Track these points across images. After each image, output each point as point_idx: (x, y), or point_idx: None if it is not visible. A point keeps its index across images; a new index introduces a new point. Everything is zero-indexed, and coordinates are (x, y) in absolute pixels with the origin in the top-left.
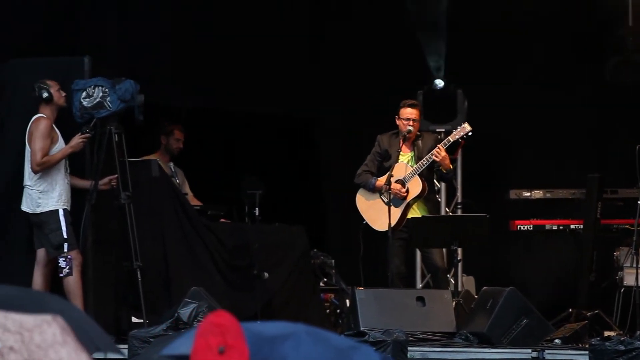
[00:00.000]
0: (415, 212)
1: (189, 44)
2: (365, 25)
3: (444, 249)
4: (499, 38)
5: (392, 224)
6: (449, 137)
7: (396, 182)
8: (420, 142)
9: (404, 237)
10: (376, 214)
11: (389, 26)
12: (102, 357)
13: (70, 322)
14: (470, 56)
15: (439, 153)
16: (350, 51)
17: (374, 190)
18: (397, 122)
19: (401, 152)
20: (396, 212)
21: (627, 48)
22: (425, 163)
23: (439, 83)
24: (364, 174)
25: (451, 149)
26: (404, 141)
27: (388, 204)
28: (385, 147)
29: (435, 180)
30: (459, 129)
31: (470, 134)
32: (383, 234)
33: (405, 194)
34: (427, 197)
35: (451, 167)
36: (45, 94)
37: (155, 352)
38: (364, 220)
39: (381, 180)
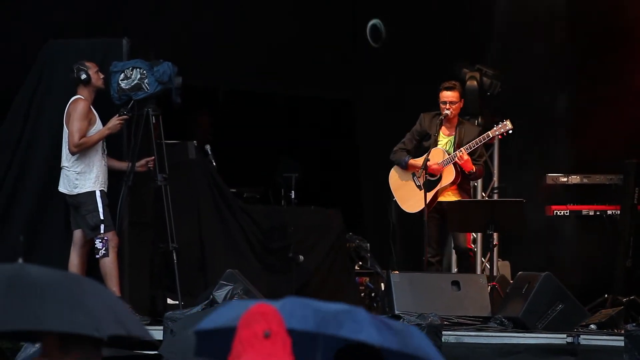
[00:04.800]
0: (446, 198)
1: (227, 26)
2: (403, 7)
3: (480, 235)
4: (536, 21)
5: (421, 207)
6: (489, 133)
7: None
8: (463, 129)
9: (438, 218)
10: (407, 194)
11: (426, 8)
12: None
13: (103, 306)
14: (505, 38)
15: (462, 157)
16: (388, 33)
17: (406, 168)
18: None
19: (441, 135)
20: (427, 196)
21: None
22: (453, 158)
23: None
24: (400, 152)
25: None
26: (440, 124)
27: (421, 187)
28: (426, 127)
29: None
30: (500, 125)
31: (510, 132)
32: (416, 215)
33: (441, 168)
34: (462, 186)
35: (473, 169)
36: (83, 76)
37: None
38: (393, 197)
39: (415, 161)
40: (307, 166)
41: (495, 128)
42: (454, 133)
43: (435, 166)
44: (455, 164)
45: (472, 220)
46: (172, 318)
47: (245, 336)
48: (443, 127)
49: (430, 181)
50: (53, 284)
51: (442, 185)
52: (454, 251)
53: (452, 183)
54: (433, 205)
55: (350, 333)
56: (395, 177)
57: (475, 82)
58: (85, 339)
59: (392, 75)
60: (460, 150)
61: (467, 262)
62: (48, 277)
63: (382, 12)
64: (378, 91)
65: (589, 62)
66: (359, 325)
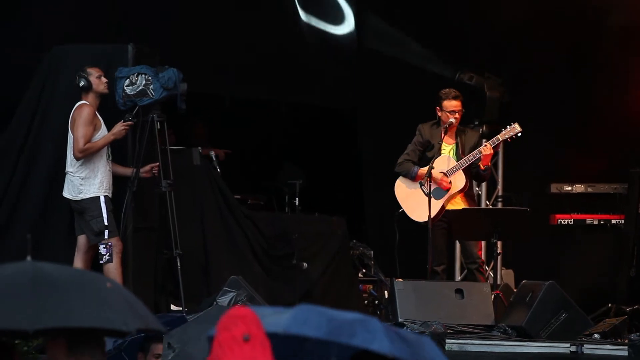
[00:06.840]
0: (454, 205)
1: (232, 34)
2: (405, 16)
3: (484, 242)
4: (537, 28)
5: (432, 216)
6: (498, 136)
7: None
8: (464, 136)
9: (445, 227)
10: (415, 203)
11: (427, 16)
12: None
13: (123, 301)
14: (512, 46)
15: (487, 148)
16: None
17: (415, 179)
18: (439, 113)
19: (444, 144)
20: (437, 204)
21: None
22: (472, 159)
23: None
24: (406, 163)
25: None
26: (445, 133)
27: (429, 195)
28: (427, 137)
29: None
30: (508, 129)
31: (519, 135)
32: (421, 223)
33: (449, 185)
34: (468, 193)
35: (489, 164)
36: (82, 83)
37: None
38: (400, 208)
39: (424, 170)
40: (311, 173)
41: (503, 131)
42: (455, 140)
43: (441, 179)
44: (464, 170)
45: (476, 228)
46: None
47: (224, 339)
48: (445, 136)
49: (439, 189)
50: (74, 281)
51: (453, 192)
52: (462, 260)
53: (463, 189)
54: (442, 213)
55: (363, 342)
56: (402, 188)
57: (497, 92)
58: (92, 341)
59: (395, 83)
60: (486, 144)
61: (478, 273)
62: (67, 275)
63: (386, 20)
64: (381, 99)
65: (593, 70)
66: (372, 334)
